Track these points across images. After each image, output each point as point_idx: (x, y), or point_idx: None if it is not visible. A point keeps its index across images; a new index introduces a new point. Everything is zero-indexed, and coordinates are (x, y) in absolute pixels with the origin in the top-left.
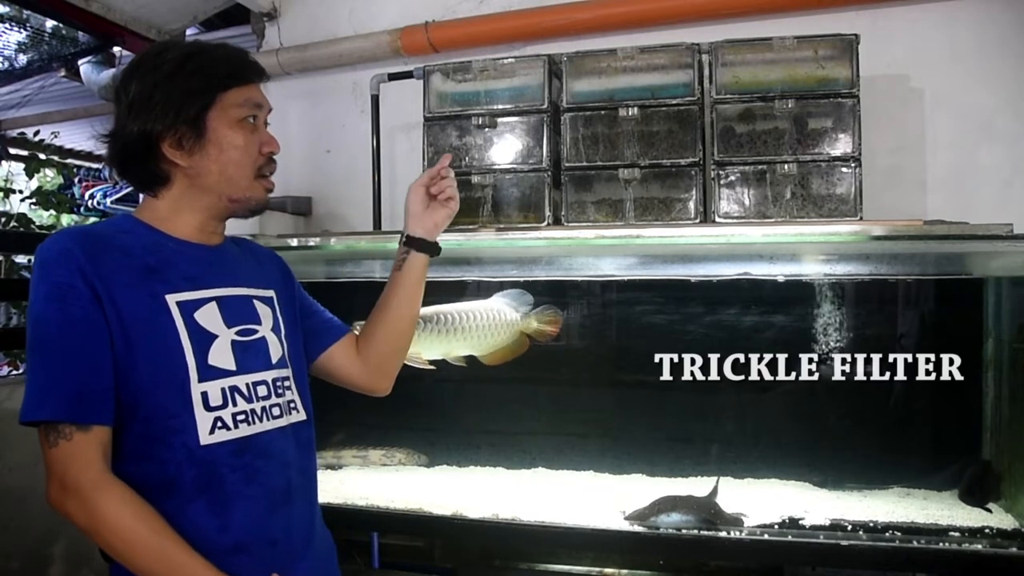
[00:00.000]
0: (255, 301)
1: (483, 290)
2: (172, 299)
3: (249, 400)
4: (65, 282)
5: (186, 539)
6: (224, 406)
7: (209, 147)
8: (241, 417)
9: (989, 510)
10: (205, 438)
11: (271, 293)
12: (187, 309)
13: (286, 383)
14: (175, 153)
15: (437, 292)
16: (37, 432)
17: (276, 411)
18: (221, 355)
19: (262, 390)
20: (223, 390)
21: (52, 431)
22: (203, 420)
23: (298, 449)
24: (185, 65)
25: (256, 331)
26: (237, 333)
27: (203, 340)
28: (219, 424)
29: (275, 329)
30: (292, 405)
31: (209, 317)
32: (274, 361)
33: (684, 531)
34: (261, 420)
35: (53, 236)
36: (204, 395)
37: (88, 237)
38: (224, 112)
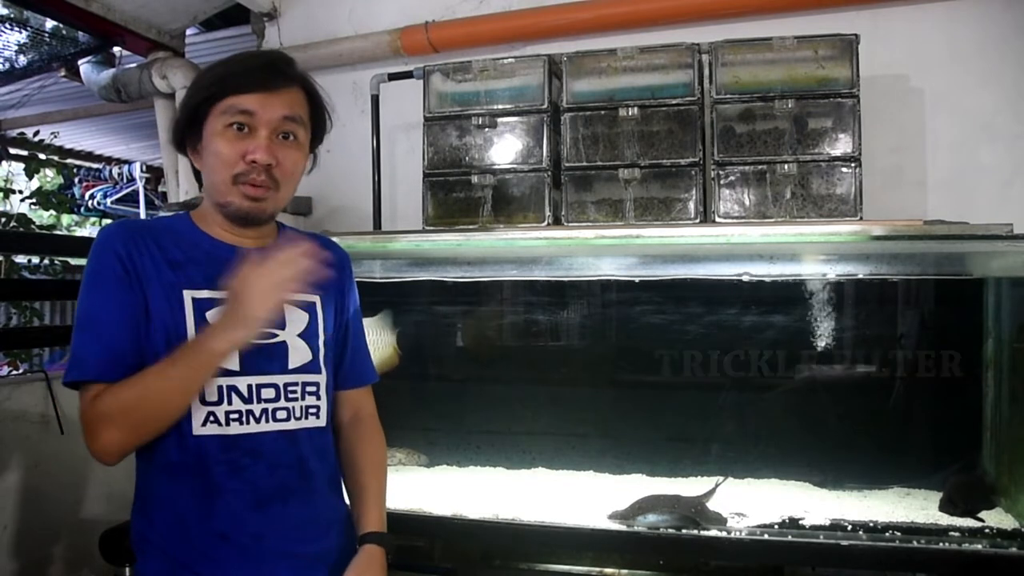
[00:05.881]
0: (287, 306)
1: (483, 290)
2: (188, 295)
3: (247, 401)
4: (101, 267)
5: (177, 518)
6: (219, 403)
7: (204, 153)
8: (234, 416)
9: (981, 519)
10: (197, 429)
11: (314, 299)
12: (200, 307)
13: (309, 388)
14: (193, 156)
15: (438, 292)
16: (35, 430)
17: (282, 414)
18: None
19: (268, 392)
20: (220, 388)
21: (84, 388)
22: (197, 412)
23: (306, 454)
24: (198, 80)
25: (276, 335)
26: None
27: None
28: (211, 418)
29: (307, 335)
30: (311, 410)
31: None
32: (293, 366)
33: (684, 531)
34: (259, 421)
35: (104, 227)
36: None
37: (130, 228)
38: (214, 121)
